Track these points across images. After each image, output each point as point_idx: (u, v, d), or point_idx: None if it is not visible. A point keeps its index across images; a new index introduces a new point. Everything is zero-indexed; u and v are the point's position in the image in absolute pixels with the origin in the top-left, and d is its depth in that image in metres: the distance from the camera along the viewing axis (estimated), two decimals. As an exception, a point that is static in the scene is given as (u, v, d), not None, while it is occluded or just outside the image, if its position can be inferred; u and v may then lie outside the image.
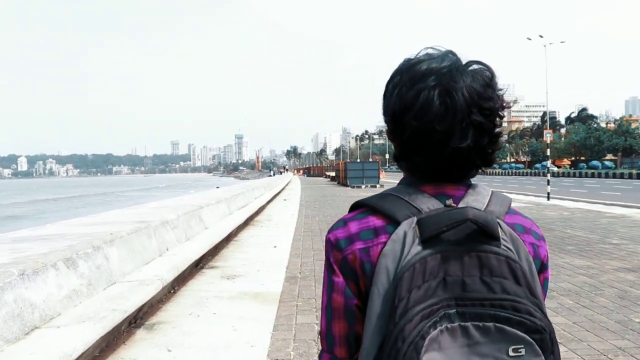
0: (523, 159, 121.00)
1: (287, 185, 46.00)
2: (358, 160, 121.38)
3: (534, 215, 15.78)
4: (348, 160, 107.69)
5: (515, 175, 71.54)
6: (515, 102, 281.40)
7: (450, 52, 1.07)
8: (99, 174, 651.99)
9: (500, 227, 1.00)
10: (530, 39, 60.54)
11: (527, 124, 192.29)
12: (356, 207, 1.11)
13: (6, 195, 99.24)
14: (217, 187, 33.40)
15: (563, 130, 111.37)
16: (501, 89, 1.07)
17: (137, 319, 5.29)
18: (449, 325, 0.91)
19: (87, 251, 4.97)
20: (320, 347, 1.20)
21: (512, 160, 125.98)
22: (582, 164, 77.35)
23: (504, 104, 1.07)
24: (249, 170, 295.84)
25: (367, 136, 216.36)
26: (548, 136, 44.78)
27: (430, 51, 1.07)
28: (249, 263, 8.76)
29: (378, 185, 40.23)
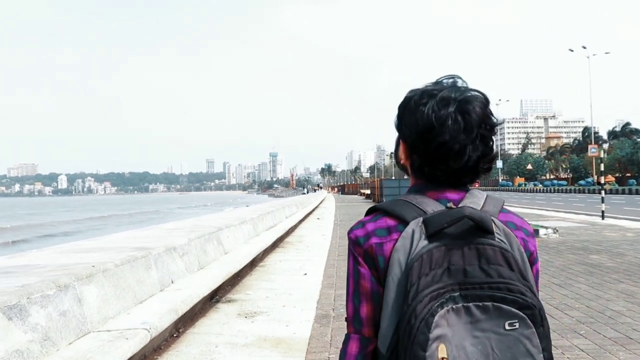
0: (563, 175, 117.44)
1: (321, 203, 44.73)
2: (393, 177, 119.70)
3: (593, 236, 14.14)
4: (383, 177, 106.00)
5: (558, 192, 68.54)
6: (553, 117, 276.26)
7: (460, 79, 1.31)
8: (136, 192, 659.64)
9: (495, 223, 1.19)
10: (572, 51, 58.55)
11: (565, 140, 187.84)
12: (372, 211, 1.30)
13: (53, 211, 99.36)
14: (247, 206, 32.30)
15: (606, 146, 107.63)
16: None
17: (121, 379, 4.01)
18: (454, 306, 1.07)
19: (46, 293, 3.72)
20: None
21: (552, 177, 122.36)
22: (631, 181, 73.84)
23: (498, 122, 1.31)
24: (284, 188, 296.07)
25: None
26: (593, 152, 42.54)
27: (448, 80, 1.30)
28: (274, 295, 7.44)
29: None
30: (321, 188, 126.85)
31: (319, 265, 10.16)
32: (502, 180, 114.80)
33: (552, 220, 20.02)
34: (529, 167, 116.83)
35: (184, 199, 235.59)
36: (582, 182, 78.69)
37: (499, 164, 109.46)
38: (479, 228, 1.14)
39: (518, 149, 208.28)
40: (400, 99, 1.35)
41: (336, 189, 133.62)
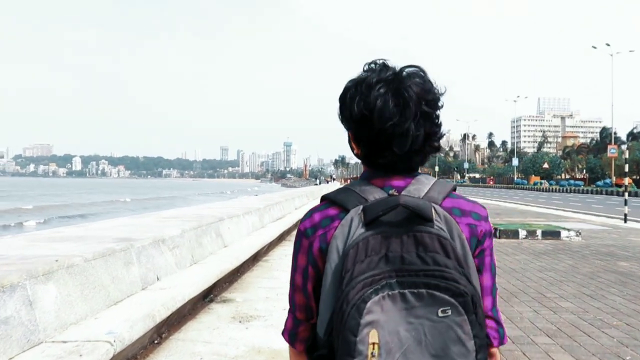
0: (579, 175, 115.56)
1: (332, 194, 43.92)
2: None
3: (618, 240, 13.31)
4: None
5: (575, 192, 67.00)
6: (570, 116, 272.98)
7: (387, 64, 1.28)
8: (149, 177, 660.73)
9: (435, 210, 1.19)
10: (595, 48, 57.23)
11: (582, 140, 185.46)
12: (322, 200, 1.33)
13: (73, 193, 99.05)
14: (256, 195, 31.65)
15: (624, 147, 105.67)
16: (434, 81, 1.28)
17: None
18: (390, 292, 1.09)
19: (-17, 296, 3.02)
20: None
21: (568, 177, 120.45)
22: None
23: (441, 93, 1.27)
24: (296, 178, 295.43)
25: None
26: (613, 152, 41.49)
27: (372, 66, 1.28)
28: (275, 296, 6.73)
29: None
30: (334, 179, 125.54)
31: (326, 262, 9.44)
32: (517, 178, 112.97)
33: (571, 221, 19.17)
34: (545, 165, 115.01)
35: (198, 185, 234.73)
36: (599, 183, 76.82)
37: (515, 161, 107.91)
38: (418, 216, 1.16)
39: (533, 147, 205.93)
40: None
41: (349, 181, 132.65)
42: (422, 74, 1.26)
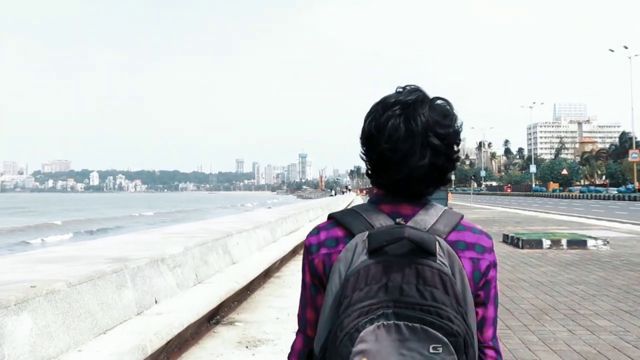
0: (598, 181, 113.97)
1: (348, 205, 43.48)
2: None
3: (648, 249, 12.66)
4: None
5: (596, 199, 65.55)
6: (587, 121, 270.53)
7: (418, 89, 1.28)
8: (166, 190, 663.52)
9: (440, 244, 1.18)
10: (613, 51, 56.43)
11: (600, 145, 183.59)
12: (329, 218, 1.33)
13: (98, 208, 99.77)
14: (269, 208, 31.27)
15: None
16: (460, 122, 1.28)
17: None
18: (385, 322, 1.09)
19: None
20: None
21: (587, 182, 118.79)
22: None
23: (459, 132, 1.28)
24: (312, 190, 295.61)
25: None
26: (635, 157, 40.57)
27: (400, 89, 1.28)
28: (286, 316, 6.24)
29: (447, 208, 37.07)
30: (349, 190, 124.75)
31: (341, 277, 8.93)
32: (535, 185, 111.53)
33: (595, 229, 18.48)
34: (564, 172, 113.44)
35: (215, 198, 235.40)
36: (622, 188, 75.23)
37: (532, 168, 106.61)
38: (421, 249, 1.15)
39: (550, 154, 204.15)
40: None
41: (364, 192, 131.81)
42: (447, 107, 1.26)
